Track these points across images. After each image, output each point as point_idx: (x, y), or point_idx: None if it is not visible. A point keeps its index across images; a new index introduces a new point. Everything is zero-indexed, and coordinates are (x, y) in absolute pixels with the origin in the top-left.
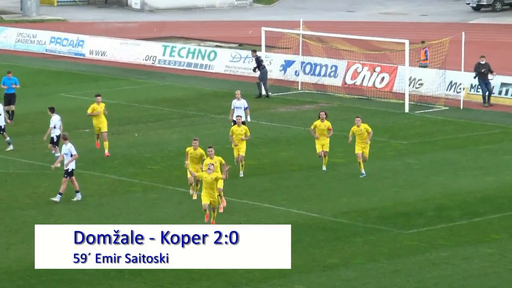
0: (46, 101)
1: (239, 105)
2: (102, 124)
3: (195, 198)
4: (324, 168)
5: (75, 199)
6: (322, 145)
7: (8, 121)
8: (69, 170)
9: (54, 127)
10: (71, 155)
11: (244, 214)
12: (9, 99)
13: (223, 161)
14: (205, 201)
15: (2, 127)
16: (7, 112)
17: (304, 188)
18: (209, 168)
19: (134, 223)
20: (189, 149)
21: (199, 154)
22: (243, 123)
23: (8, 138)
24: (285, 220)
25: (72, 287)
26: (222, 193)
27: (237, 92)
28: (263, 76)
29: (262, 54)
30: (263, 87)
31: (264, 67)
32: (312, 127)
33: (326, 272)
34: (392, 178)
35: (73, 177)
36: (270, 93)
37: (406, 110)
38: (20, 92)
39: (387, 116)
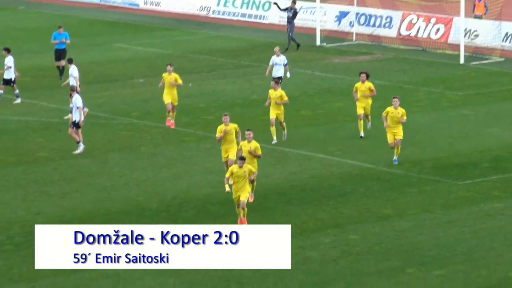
0: (99, 51)
1: (279, 62)
2: (172, 95)
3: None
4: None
5: (76, 151)
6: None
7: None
8: (76, 122)
9: (73, 77)
10: (77, 107)
11: (298, 164)
12: (59, 54)
13: (259, 148)
14: (236, 199)
15: (12, 79)
16: (58, 67)
17: (358, 138)
18: (240, 160)
19: (188, 173)
20: (221, 127)
21: (232, 129)
22: (280, 79)
23: (17, 91)
24: (339, 171)
25: None
26: (254, 184)
27: (276, 48)
28: (292, 28)
29: (317, 5)
30: (288, 38)
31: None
32: (354, 89)
33: (380, 223)
34: (447, 129)
35: (79, 130)
36: (288, 47)
37: (461, 61)
38: (73, 42)
39: (442, 67)
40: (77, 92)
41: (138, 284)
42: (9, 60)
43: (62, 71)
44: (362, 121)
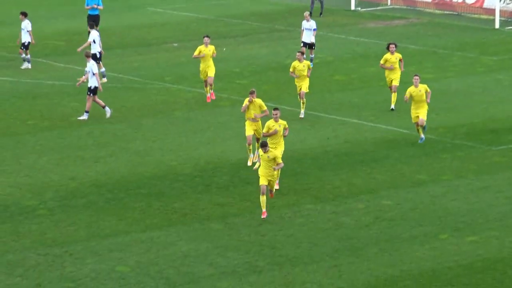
0: (134, 15)
1: (308, 27)
2: (209, 68)
3: (250, 164)
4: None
5: (81, 118)
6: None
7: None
8: (92, 88)
9: (94, 42)
10: (93, 74)
11: (332, 129)
12: (92, 20)
13: (287, 125)
14: (263, 181)
15: (26, 43)
16: (89, 33)
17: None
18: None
19: (222, 138)
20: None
21: (257, 105)
22: (312, 45)
23: (28, 56)
24: (373, 136)
25: (160, 200)
26: (279, 171)
27: (305, 13)
28: None
29: None
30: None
31: None
32: (382, 61)
33: (414, 188)
34: (482, 94)
35: (96, 96)
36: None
37: (497, 26)
38: (108, 6)
39: (477, 32)
40: (97, 59)
41: (172, 249)
42: (27, 25)
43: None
44: (395, 93)
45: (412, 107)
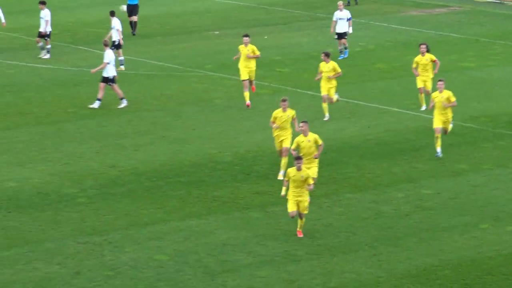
0: (175, 3)
1: (342, 16)
2: (250, 70)
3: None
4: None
5: (93, 105)
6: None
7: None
8: (110, 77)
9: (116, 30)
10: (107, 63)
11: (373, 118)
12: (131, 10)
13: (320, 141)
14: (292, 207)
15: (48, 33)
16: (130, 23)
17: (433, 91)
18: (297, 162)
19: (262, 126)
20: (277, 112)
21: (290, 116)
22: (344, 35)
23: (48, 46)
24: (414, 125)
25: (199, 188)
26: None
27: (339, 2)
28: None
29: None
30: None
31: None
32: (413, 64)
33: (454, 177)
34: None
35: (115, 85)
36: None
37: None
38: None
39: None
40: (115, 47)
41: (210, 237)
42: (46, 14)
43: (135, 26)
44: (423, 95)
45: (434, 116)
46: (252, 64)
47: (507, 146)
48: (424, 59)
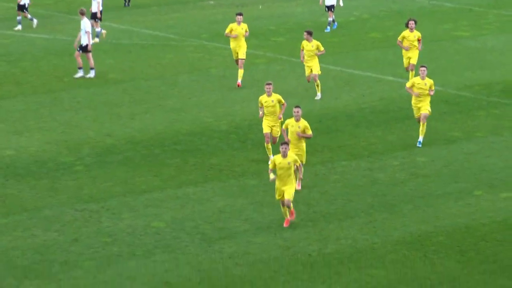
0: None
1: None
2: (240, 49)
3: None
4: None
5: (88, 75)
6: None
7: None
8: (83, 45)
9: (96, 1)
10: (85, 32)
11: (367, 87)
12: None
13: (309, 131)
14: (279, 195)
15: (26, 5)
16: None
17: (427, 60)
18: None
19: (258, 95)
20: (262, 98)
21: (275, 101)
22: (332, 7)
23: (29, 16)
24: (408, 93)
25: (196, 156)
26: (301, 174)
27: None
28: None
29: None
30: None
31: None
32: (399, 38)
33: (448, 145)
34: None
35: (89, 54)
36: None
37: None
38: None
39: None
40: (94, 18)
41: (207, 205)
42: None
43: None
44: (413, 72)
45: (413, 100)
46: (243, 42)
47: (501, 114)
48: (412, 36)
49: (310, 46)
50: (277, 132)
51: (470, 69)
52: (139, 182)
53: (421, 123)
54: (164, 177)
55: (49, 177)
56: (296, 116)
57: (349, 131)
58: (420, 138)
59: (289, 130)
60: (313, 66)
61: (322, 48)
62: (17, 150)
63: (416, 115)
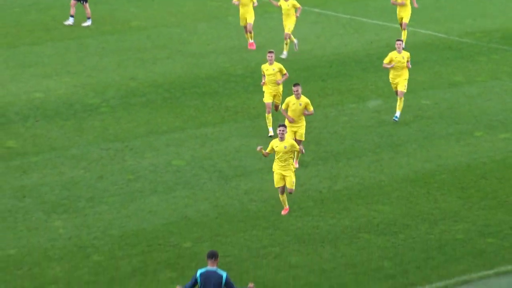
0: None
1: None
2: (248, 14)
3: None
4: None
5: (84, 24)
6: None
7: None
8: None
9: None
10: None
11: (375, 34)
12: None
13: (310, 105)
14: (278, 182)
15: None
16: None
17: (432, 9)
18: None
19: (272, 42)
20: (264, 66)
21: (276, 69)
22: None
23: None
24: (413, 40)
25: (214, 99)
26: (303, 149)
27: None
28: None
29: None
30: None
31: None
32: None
33: (451, 89)
34: None
35: (86, 4)
36: None
37: None
38: None
39: None
40: None
41: (224, 144)
42: None
43: None
44: (405, 31)
45: (390, 75)
46: (251, 8)
47: (500, 59)
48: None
49: (286, 5)
50: (279, 99)
51: (472, 17)
52: (160, 123)
53: (398, 98)
54: (184, 118)
55: (76, 118)
56: (296, 94)
57: (358, 75)
58: (397, 113)
59: (289, 108)
60: (288, 25)
61: (298, 5)
62: (46, 92)
63: (394, 89)
